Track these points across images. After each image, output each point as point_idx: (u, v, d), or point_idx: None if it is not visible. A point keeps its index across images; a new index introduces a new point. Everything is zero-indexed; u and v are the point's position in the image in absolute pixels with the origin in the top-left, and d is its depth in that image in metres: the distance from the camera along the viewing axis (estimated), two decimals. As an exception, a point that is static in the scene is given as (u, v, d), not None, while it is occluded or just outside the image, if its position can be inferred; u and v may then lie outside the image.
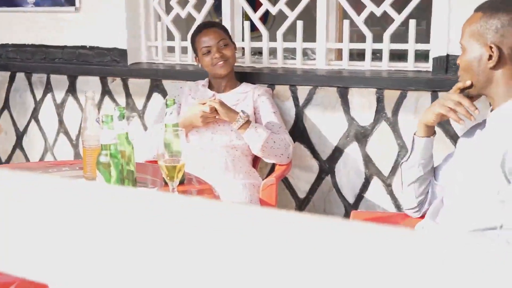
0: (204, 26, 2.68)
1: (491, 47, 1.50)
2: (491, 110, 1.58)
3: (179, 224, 0.37)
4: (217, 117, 2.46)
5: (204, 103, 2.45)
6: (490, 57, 1.50)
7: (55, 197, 0.40)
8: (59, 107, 3.53)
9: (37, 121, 3.63)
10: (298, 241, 0.36)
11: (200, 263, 0.36)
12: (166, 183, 1.80)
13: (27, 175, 0.42)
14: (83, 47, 3.42)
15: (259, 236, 0.36)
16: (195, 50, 2.68)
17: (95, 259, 0.38)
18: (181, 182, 1.91)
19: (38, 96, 3.59)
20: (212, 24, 2.72)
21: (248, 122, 2.43)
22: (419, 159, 1.77)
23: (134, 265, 0.37)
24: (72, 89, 3.46)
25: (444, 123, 2.48)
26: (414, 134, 1.78)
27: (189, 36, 3.14)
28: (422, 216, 1.84)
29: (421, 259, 0.33)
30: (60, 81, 3.49)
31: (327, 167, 2.78)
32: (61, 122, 3.54)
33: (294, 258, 0.36)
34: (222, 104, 2.44)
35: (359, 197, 2.73)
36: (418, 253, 0.33)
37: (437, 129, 2.49)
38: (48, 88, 3.55)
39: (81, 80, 3.42)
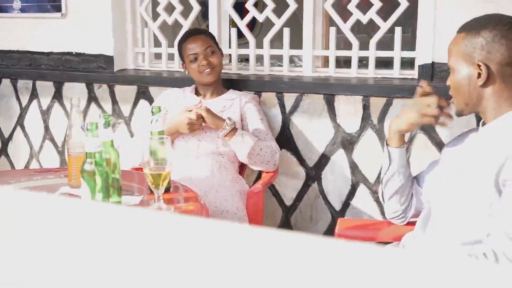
0: (191, 33, 2.67)
1: (479, 65, 1.51)
2: (483, 125, 1.59)
3: (150, 239, 0.36)
4: (203, 124, 2.46)
5: (190, 110, 2.45)
6: (479, 75, 1.51)
7: (30, 214, 0.39)
8: (45, 114, 3.51)
9: (23, 128, 3.60)
10: (281, 260, 0.36)
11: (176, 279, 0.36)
12: (151, 191, 1.80)
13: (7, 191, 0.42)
14: (69, 53, 3.41)
15: (233, 253, 0.35)
16: (182, 57, 2.67)
17: (74, 274, 0.38)
18: (167, 190, 1.90)
19: (24, 102, 3.57)
20: (199, 31, 2.71)
21: (234, 129, 2.43)
22: (398, 168, 1.78)
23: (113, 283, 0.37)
24: (58, 96, 3.44)
25: (429, 130, 2.49)
26: (387, 144, 1.79)
27: (176, 42, 3.14)
28: (408, 223, 1.84)
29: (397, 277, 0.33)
30: (46, 88, 3.47)
31: (314, 174, 2.78)
32: (46, 128, 3.52)
33: (276, 275, 0.35)
34: (208, 111, 2.44)
35: (346, 204, 2.74)
36: (395, 272, 0.33)
37: (422, 136, 2.52)
38: (33, 95, 3.53)
39: (67, 87, 3.40)
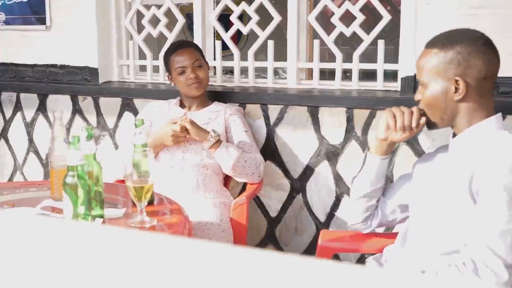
0: (179, 46, 2.66)
1: (456, 81, 1.51)
2: (453, 136, 1.60)
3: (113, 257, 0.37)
4: (188, 136, 2.46)
5: (175, 123, 2.45)
6: (456, 90, 1.52)
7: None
8: (29, 126, 3.49)
9: (7, 140, 3.58)
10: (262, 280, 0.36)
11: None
12: (135, 204, 1.79)
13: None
14: (54, 65, 3.40)
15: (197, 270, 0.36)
16: (168, 69, 2.67)
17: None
18: (150, 203, 1.90)
19: (8, 114, 3.55)
20: (187, 44, 2.71)
21: (219, 141, 2.44)
22: (369, 176, 1.77)
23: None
24: (42, 108, 3.43)
25: (413, 142, 2.51)
26: (368, 150, 1.79)
27: (161, 55, 3.15)
28: (390, 235, 1.85)
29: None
30: (30, 100, 3.46)
31: (298, 185, 2.79)
32: (31, 141, 3.50)
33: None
34: (192, 123, 2.44)
35: (330, 216, 2.74)
36: None
37: (405, 147, 2.53)
38: (17, 107, 3.51)
39: (51, 99, 3.39)
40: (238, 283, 0.38)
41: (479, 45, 1.52)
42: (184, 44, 2.69)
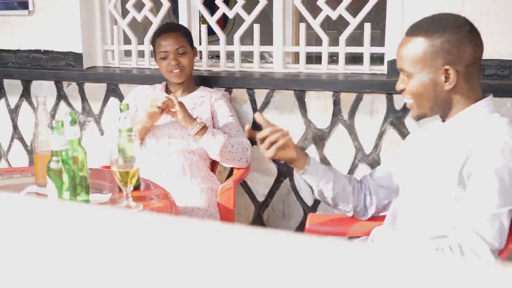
0: (166, 29, 2.61)
1: (446, 70, 1.47)
2: (443, 121, 1.58)
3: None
4: (173, 120, 2.44)
5: (158, 105, 2.42)
6: (446, 79, 1.48)
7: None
8: (13, 112, 3.45)
9: (-10, 127, 3.54)
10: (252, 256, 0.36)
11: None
12: (121, 189, 1.78)
13: None
14: (37, 51, 3.35)
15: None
16: (154, 51, 2.63)
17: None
18: (137, 188, 1.89)
19: (-9, 101, 3.51)
20: (174, 28, 2.64)
21: (204, 127, 2.41)
22: (318, 186, 1.76)
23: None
24: (26, 94, 3.39)
25: (399, 126, 2.51)
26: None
27: (146, 39, 3.12)
28: (377, 218, 1.85)
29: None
30: (13, 86, 3.42)
31: (286, 170, 2.78)
32: (15, 127, 3.46)
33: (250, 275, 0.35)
34: (182, 106, 2.40)
35: (318, 200, 2.74)
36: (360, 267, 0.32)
37: (392, 131, 2.54)
38: (1, 93, 3.47)
39: (35, 85, 3.35)
40: (228, 261, 0.37)
41: (465, 32, 1.48)
42: (171, 28, 2.63)
